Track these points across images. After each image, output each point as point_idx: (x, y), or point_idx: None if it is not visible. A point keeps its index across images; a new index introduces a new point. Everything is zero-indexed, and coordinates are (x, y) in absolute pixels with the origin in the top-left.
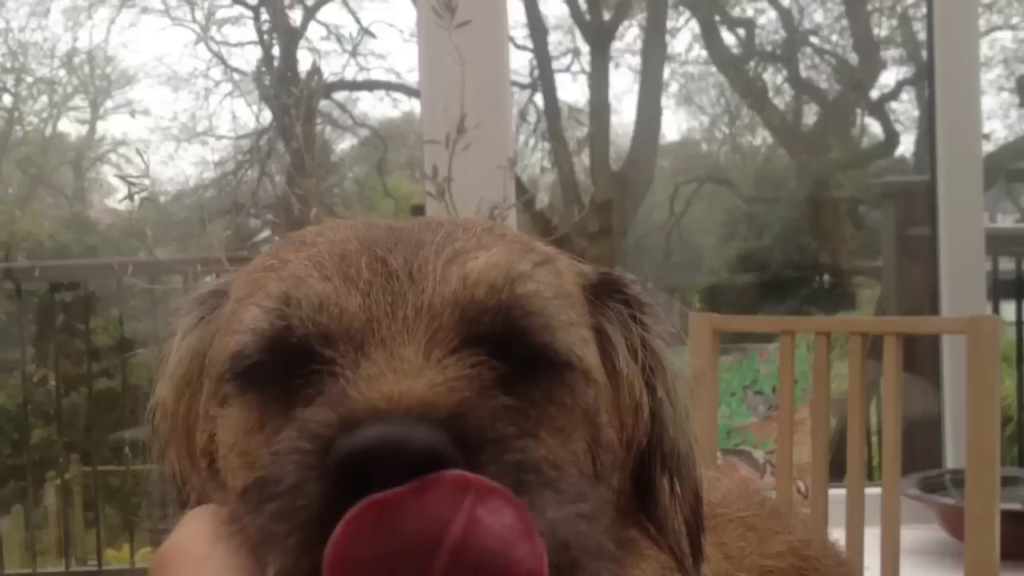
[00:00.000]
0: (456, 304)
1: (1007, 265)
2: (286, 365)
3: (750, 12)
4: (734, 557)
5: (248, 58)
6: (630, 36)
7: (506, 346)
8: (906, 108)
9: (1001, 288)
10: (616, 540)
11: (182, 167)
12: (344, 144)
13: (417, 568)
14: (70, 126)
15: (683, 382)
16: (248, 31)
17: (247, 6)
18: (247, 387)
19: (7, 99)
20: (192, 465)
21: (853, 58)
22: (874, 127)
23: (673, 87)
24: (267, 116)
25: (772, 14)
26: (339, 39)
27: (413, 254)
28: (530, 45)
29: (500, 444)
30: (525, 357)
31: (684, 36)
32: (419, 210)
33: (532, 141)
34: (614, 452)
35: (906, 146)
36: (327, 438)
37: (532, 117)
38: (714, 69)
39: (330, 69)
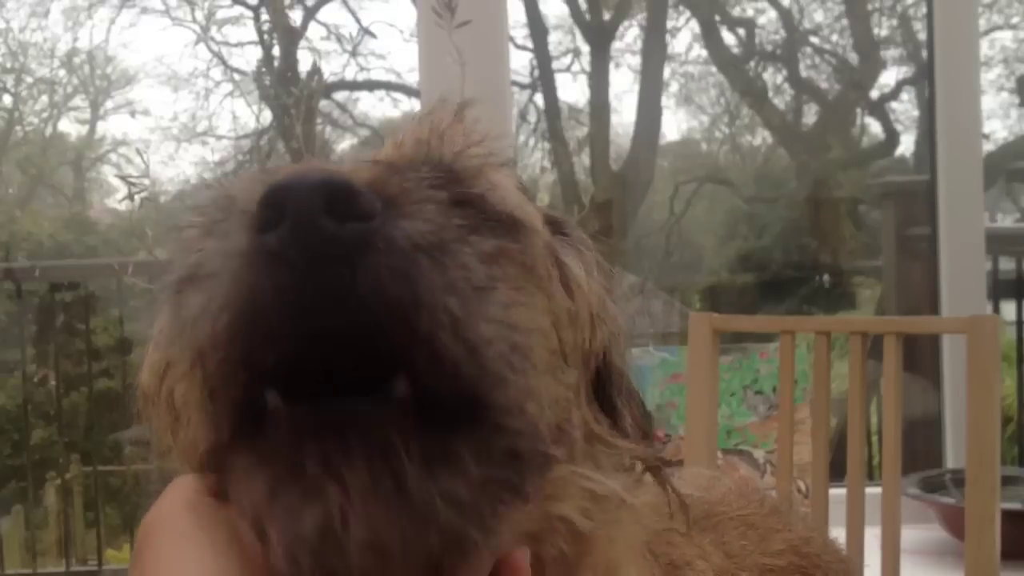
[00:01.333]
0: (389, 163)
1: (1007, 265)
2: None
3: (750, 12)
4: (735, 556)
5: (248, 58)
6: (630, 36)
7: (444, 197)
8: (906, 108)
9: (1001, 288)
10: (583, 448)
11: (182, 167)
12: (344, 144)
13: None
14: (70, 126)
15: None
16: (248, 31)
17: (247, 6)
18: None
19: (7, 99)
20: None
21: (853, 58)
22: (874, 127)
23: (673, 87)
24: (267, 116)
25: (772, 14)
26: (339, 39)
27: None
28: (530, 45)
29: (428, 205)
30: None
31: (684, 36)
32: None
33: (532, 141)
34: (573, 337)
35: (906, 146)
36: (242, 198)
37: (532, 117)
38: (714, 69)
39: (330, 69)
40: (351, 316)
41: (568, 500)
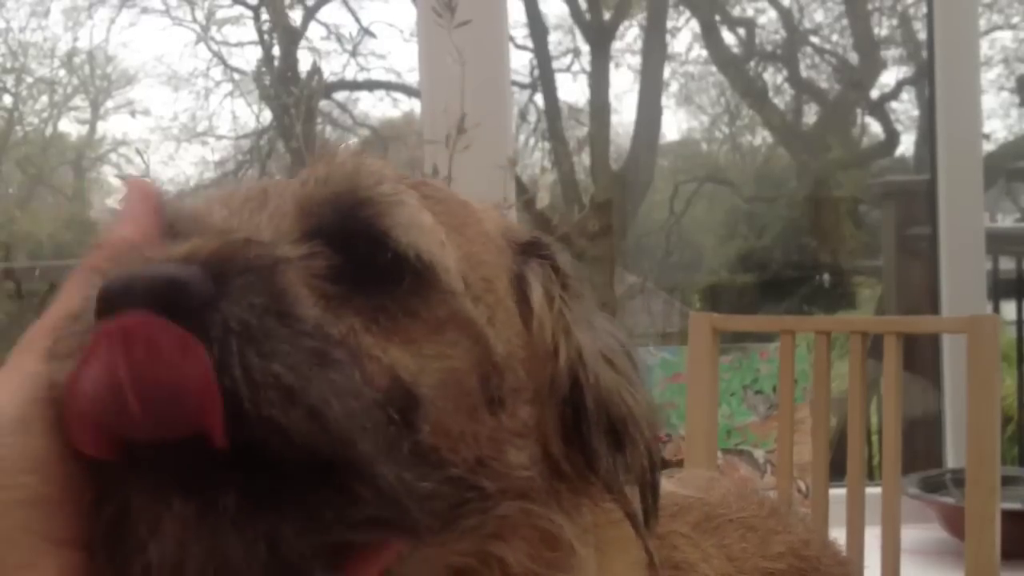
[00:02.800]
0: (295, 202)
1: (1007, 264)
2: None
3: (750, 12)
4: (736, 559)
5: (248, 58)
6: (630, 36)
7: (349, 242)
8: (906, 108)
9: (1001, 287)
10: (545, 486)
11: (182, 167)
12: (344, 145)
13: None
14: (70, 126)
15: (624, 347)
16: (248, 31)
17: (247, 6)
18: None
19: (7, 99)
20: None
21: (853, 58)
22: (874, 127)
23: (673, 87)
24: (267, 116)
25: (772, 14)
26: (339, 39)
27: (282, 183)
28: (530, 45)
29: (259, 272)
30: (373, 259)
31: (684, 36)
32: None
33: (532, 141)
34: (515, 378)
35: (906, 146)
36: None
37: (532, 117)
38: (714, 69)
39: (330, 69)
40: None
41: (512, 540)
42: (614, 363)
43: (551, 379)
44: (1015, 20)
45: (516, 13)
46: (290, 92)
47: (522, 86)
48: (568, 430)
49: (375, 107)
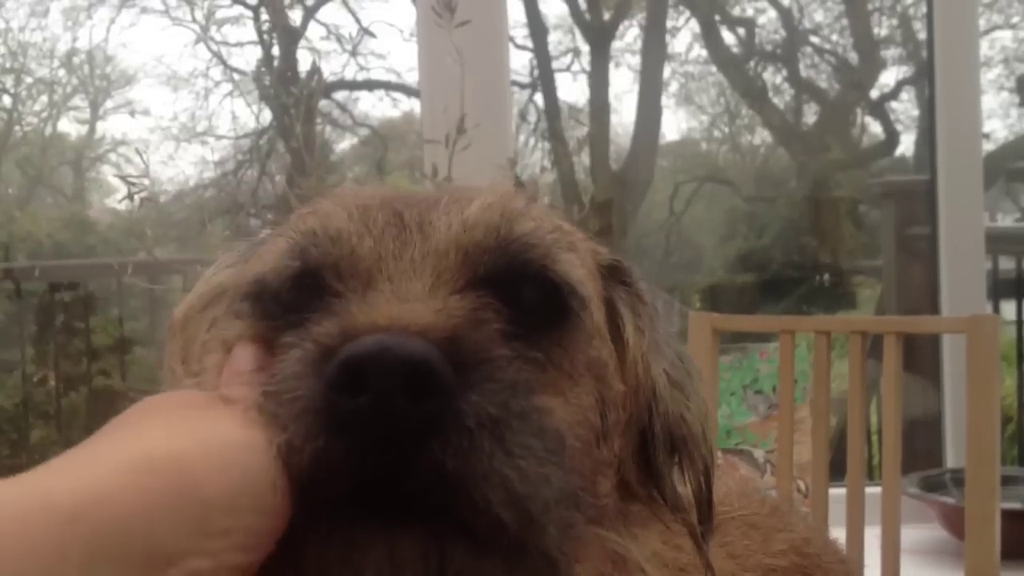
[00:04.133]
0: (458, 247)
1: (1007, 264)
2: (300, 295)
3: (750, 11)
4: (739, 556)
5: (248, 58)
6: (630, 36)
7: (511, 287)
8: (906, 108)
9: (1001, 287)
10: (616, 509)
11: (182, 167)
12: (344, 144)
13: None
14: (70, 126)
15: (695, 372)
16: (248, 31)
17: (247, 6)
18: (258, 308)
19: (7, 99)
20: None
21: (853, 57)
22: (874, 127)
23: (673, 87)
24: (267, 116)
25: (772, 13)
26: (339, 39)
27: (426, 209)
28: (530, 45)
29: (493, 364)
30: (531, 301)
31: (684, 36)
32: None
33: (532, 141)
34: (618, 411)
35: (906, 146)
36: (329, 345)
37: (532, 117)
38: (714, 69)
39: (330, 69)
40: (410, 484)
41: (587, 562)
42: (678, 383)
43: (637, 409)
44: (1015, 20)
45: (516, 13)
46: (290, 92)
47: (522, 86)
48: (637, 453)
49: (375, 107)
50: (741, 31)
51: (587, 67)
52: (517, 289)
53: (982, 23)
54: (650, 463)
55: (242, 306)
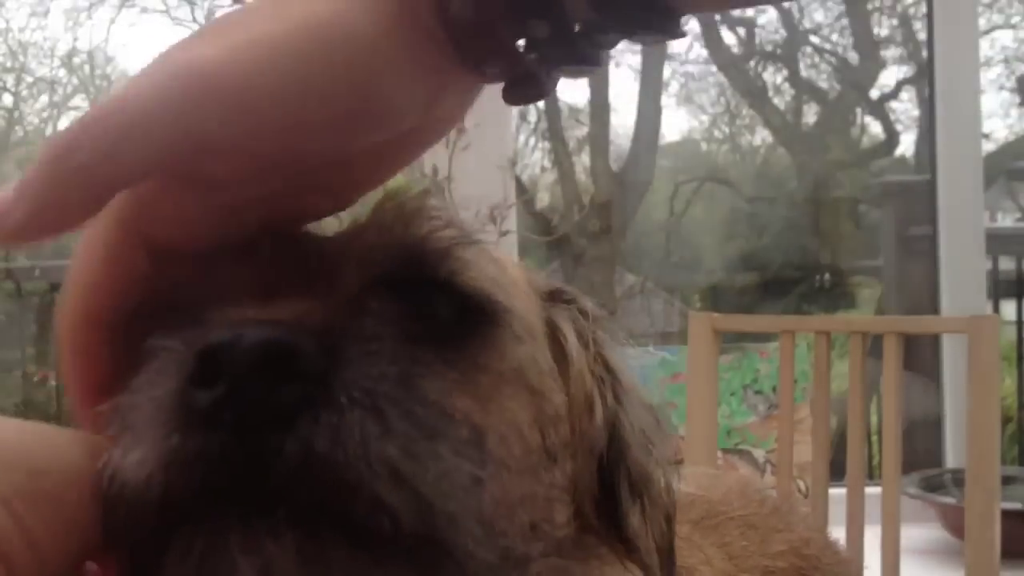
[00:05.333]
0: (349, 250)
1: (1007, 264)
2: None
3: (750, 11)
4: (737, 557)
5: None
6: None
7: (413, 294)
8: (906, 108)
9: (1001, 287)
10: (574, 541)
11: None
12: None
13: None
14: None
15: (645, 405)
16: None
17: None
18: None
19: (7, 99)
20: None
21: (853, 57)
22: (874, 127)
23: (673, 87)
24: None
25: (772, 13)
26: None
27: (352, 230)
28: None
29: (376, 343)
30: (439, 308)
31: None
32: None
33: (532, 141)
34: (565, 430)
35: (906, 146)
36: (192, 344)
37: (532, 117)
38: (714, 68)
39: None
40: (280, 478)
41: None
42: (632, 418)
43: (589, 429)
44: (1015, 20)
45: None
46: None
47: None
48: (593, 481)
49: None
50: (741, 31)
51: None
52: (420, 296)
53: (982, 23)
54: (607, 494)
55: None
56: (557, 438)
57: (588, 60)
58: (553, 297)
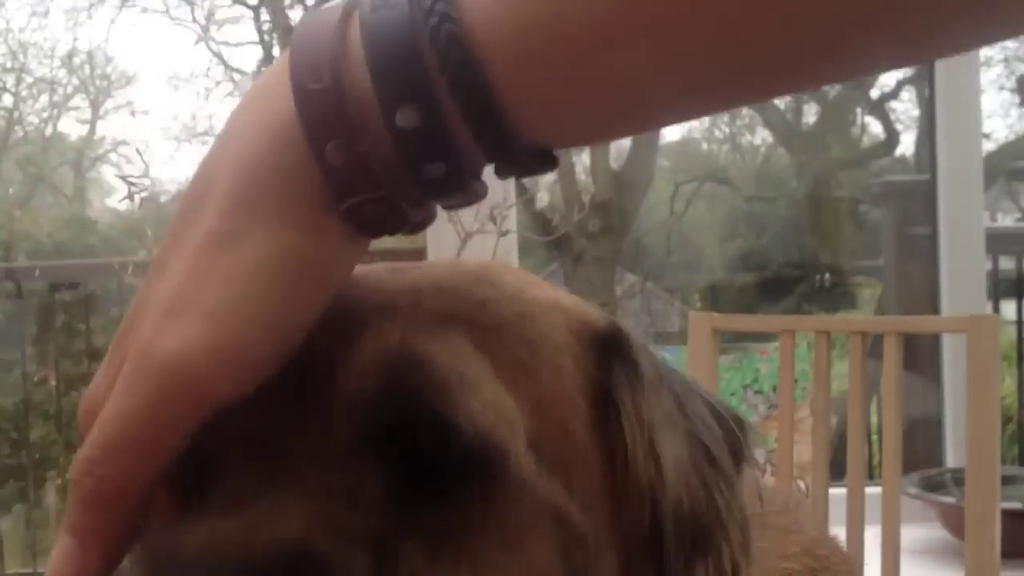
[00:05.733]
0: (346, 402)
1: (1007, 264)
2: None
3: None
4: (757, 559)
5: (248, 58)
6: None
7: (409, 437)
8: (906, 107)
9: (1001, 287)
10: None
11: (182, 167)
12: None
13: None
14: (70, 126)
15: (722, 428)
16: (248, 31)
17: (247, 6)
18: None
19: (7, 99)
20: None
21: None
22: (874, 126)
23: None
24: None
25: None
26: None
27: (340, 333)
28: None
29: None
30: (437, 453)
31: None
32: None
33: None
34: (598, 537)
35: (906, 145)
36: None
37: None
38: None
39: None
40: None
41: None
42: (699, 463)
43: (639, 514)
44: None
45: None
46: None
47: None
48: (648, 548)
49: None
50: None
51: None
52: (416, 439)
53: None
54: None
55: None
56: (587, 555)
57: (473, 194)
58: (608, 345)
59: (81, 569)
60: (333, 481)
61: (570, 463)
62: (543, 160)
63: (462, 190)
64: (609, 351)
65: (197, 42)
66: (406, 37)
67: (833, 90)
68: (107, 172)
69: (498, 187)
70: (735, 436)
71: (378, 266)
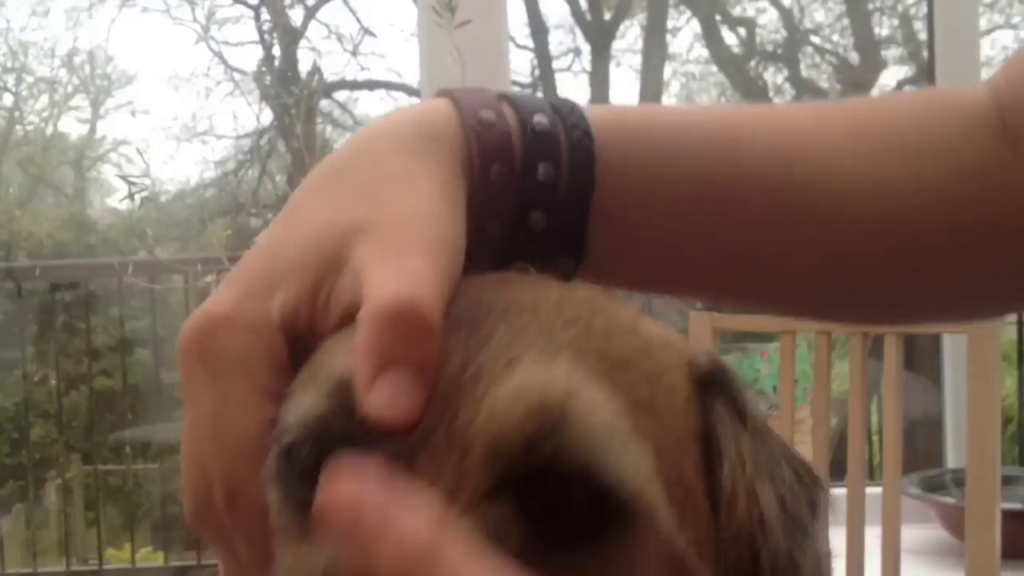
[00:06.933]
0: (484, 443)
1: None
2: (327, 447)
3: (751, 11)
4: None
5: (248, 58)
6: (631, 35)
7: (550, 486)
8: None
9: None
10: None
11: (183, 167)
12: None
13: None
14: (70, 126)
15: (800, 482)
16: (248, 31)
17: (247, 6)
18: (283, 472)
19: (7, 99)
20: None
21: (854, 57)
22: None
23: (674, 86)
24: (268, 116)
25: (773, 13)
26: (339, 39)
27: (473, 353)
28: (531, 45)
29: None
30: (576, 502)
31: (685, 35)
32: None
33: None
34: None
35: None
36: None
37: None
38: (715, 68)
39: (330, 69)
40: None
41: None
42: (792, 514)
43: (737, 561)
44: (1015, 20)
45: (516, 13)
46: (290, 92)
47: (522, 86)
48: None
49: (375, 107)
50: (742, 31)
51: (588, 67)
52: (558, 488)
53: (983, 23)
54: None
55: (275, 467)
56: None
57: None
58: (712, 385)
59: None
60: (474, 522)
61: (683, 507)
62: (577, 244)
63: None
64: (712, 391)
65: (197, 42)
66: (549, 123)
67: (833, 90)
68: (107, 172)
69: None
70: (811, 491)
71: (474, 277)
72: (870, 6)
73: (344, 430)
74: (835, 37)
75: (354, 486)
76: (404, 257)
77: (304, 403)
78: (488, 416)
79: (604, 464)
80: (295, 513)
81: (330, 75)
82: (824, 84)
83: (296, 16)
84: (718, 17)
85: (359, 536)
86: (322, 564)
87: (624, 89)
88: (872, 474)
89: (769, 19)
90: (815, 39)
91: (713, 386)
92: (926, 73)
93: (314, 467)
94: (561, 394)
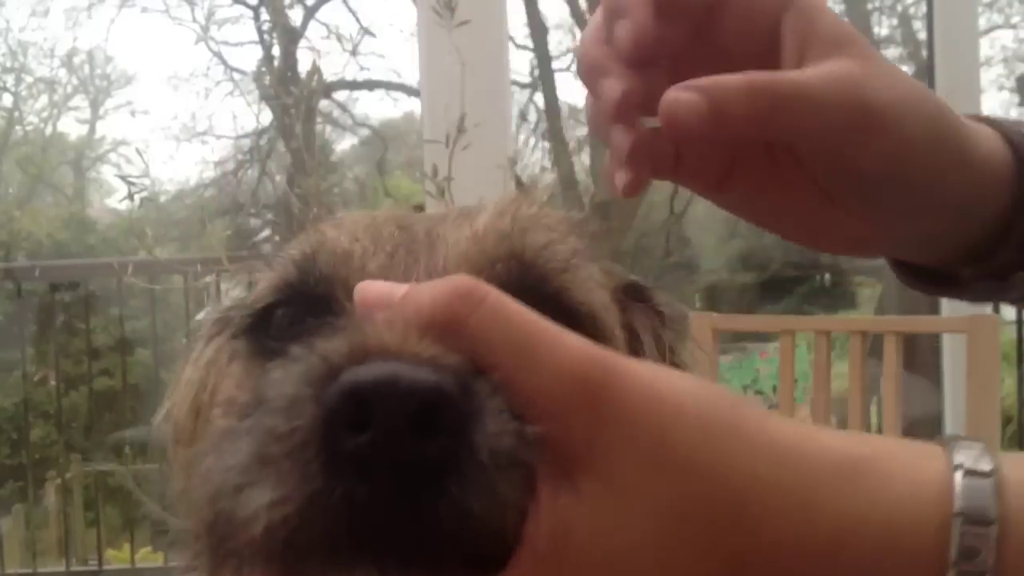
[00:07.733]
0: (468, 259)
1: None
2: (300, 314)
3: None
4: None
5: (248, 58)
6: None
7: (523, 296)
8: None
9: None
10: None
11: (182, 167)
12: (344, 144)
13: None
14: (70, 126)
15: None
16: (248, 31)
17: (247, 6)
18: (256, 338)
19: (7, 99)
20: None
21: None
22: None
23: None
24: (267, 116)
25: None
26: (339, 39)
27: (435, 223)
28: (530, 45)
29: (501, 405)
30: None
31: None
32: (420, 209)
33: (532, 141)
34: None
35: None
36: (334, 364)
37: (532, 117)
38: None
39: (330, 69)
40: (427, 531)
41: None
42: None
43: None
44: (1015, 20)
45: (516, 13)
46: (290, 92)
47: (522, 86)
48: None
49: (375, 107)
50: None
51: None
52: (528, 298)
53: (982, 23)
54: None
55: (236, 344)
56: None
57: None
58: (630, 293)
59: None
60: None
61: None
62: None
63: None
64: (631, 295)
65: (197, 42)
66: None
67: None
68: (107, 172)
69: (498, 187)
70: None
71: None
72: (869, 6)
73: (310, 288)
74: None
75: (384, 284)
76: None
77: (276, 269)
78: (470, 238)
79: (572, 287)
80: (265, 359)
81: (330, 75)
82: None
83: (296, 16)
84: None
85: (402, 302)
86: (344, 342)
87: None
88: None
89: None
90: None
91: (632, 292)
92: (926, 73)
93: (286, 327)
94: (531, 219)
